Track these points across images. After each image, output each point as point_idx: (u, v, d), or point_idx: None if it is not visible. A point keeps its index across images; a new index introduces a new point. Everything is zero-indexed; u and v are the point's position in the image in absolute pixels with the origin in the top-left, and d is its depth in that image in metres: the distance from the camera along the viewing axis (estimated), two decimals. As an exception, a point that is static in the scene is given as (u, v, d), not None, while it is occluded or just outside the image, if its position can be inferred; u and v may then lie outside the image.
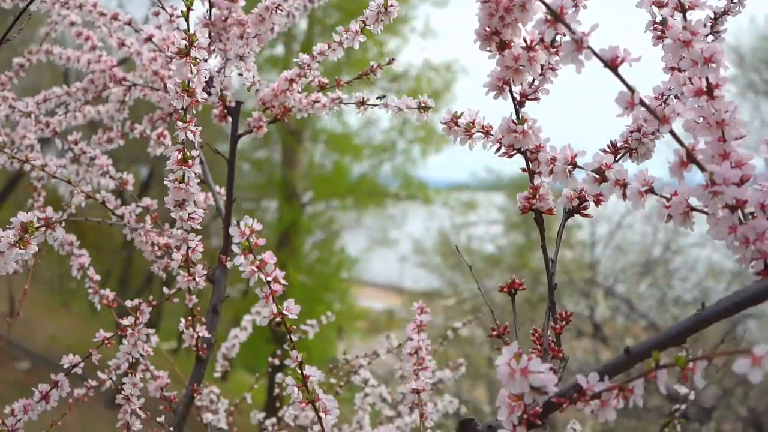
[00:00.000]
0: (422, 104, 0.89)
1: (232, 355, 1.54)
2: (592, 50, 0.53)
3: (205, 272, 0.96)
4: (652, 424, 6.04)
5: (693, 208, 0.58)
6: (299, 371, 0.69)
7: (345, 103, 1.01)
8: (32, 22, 1.27)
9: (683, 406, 1.19)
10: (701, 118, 0.58)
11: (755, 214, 0.55)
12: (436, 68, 10.21)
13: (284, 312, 0.67)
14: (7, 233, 0.72)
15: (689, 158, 0.54)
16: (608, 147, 0.73)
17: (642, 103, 0.53)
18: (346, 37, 0.93)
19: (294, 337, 0.69)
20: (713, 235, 0.55)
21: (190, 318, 1.01)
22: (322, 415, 0.69)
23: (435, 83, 10.00)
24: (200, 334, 1.02)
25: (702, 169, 0.54)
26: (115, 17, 1.15)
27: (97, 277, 1.15)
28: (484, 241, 10.63)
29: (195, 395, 1.04)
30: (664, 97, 0.74)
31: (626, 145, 0.73)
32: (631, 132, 0.73)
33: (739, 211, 0.56)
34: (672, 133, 0.54)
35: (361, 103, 0.99)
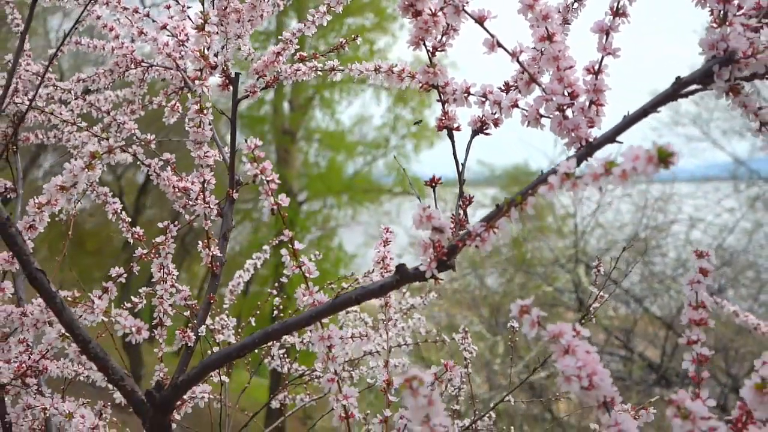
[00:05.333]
0: (377, 67, 1.19)
1: (238, 291, 1.84)
2: (467, 12, 0.83)
3: (217, 201, 1.26)
4: (636, 393, 6.34)
5: (541, 115, 0.88)
6: (291, 246, 0.99)
7: (320, 70, 1.31)
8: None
9: (593, 307, 1.48)
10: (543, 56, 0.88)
11: (576, 114, 0.85)
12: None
13: (279, 202, 0.96)
14: (77, 161, 1.01)
15: (531, 79, 0.84)
16: (503, 85, 1.03)
17: (498, 44, 0.83)
18: (317, 17, 1.24)
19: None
20: (551, 128, 0.85)
21: (206, 240, 1.31)
22: (307, 275, 0.99)
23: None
24: (214, 253, 1.32)
25: (539, 85, 0.84)
26: (135, 10, 1.44)
27: (129, 219, 1.44)
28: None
29: (211, 302, 1.34)
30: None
31: (515, 84, 1.03)
32: (519, 74, 1.03)
33: (570, 113, 0.86)
34: (519, 62, 0.84)
35: (332, 69, 1.29)
